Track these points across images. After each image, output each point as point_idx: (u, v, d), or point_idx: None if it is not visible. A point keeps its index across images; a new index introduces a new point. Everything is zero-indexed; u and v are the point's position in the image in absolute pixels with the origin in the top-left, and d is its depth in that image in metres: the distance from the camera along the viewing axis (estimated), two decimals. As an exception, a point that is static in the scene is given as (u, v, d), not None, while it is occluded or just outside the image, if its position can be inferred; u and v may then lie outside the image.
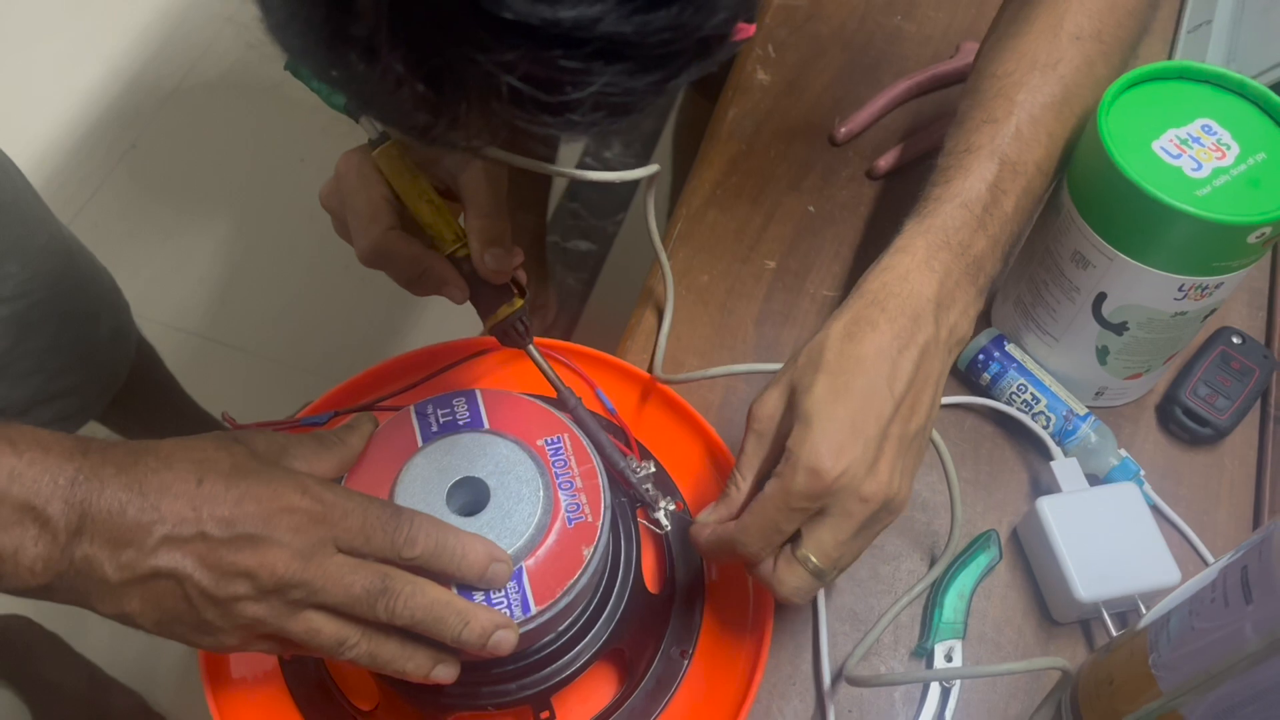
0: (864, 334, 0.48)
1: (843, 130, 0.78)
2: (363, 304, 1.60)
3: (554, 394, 0.57)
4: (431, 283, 0.51)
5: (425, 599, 0.43)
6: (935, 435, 0.57)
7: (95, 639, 1.25)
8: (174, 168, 1.81)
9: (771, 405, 0.50)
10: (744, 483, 0.50)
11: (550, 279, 1.56)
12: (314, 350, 1.60)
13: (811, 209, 0.75)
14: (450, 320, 1.59)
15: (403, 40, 0.30)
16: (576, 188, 1.74)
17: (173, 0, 1.97)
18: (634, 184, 1.75)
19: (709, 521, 0.51)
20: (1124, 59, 0.59)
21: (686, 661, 0.55)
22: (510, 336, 0.54)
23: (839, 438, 0.46)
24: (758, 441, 0.50)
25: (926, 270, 0.51)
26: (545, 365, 0.55)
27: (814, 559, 0.47)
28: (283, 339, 1.62)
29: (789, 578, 0.48)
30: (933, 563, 0.61)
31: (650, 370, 0.65)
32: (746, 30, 0.35)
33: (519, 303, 0.53)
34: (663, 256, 0.66)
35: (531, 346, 0.54)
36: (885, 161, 0.76)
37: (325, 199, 0.52)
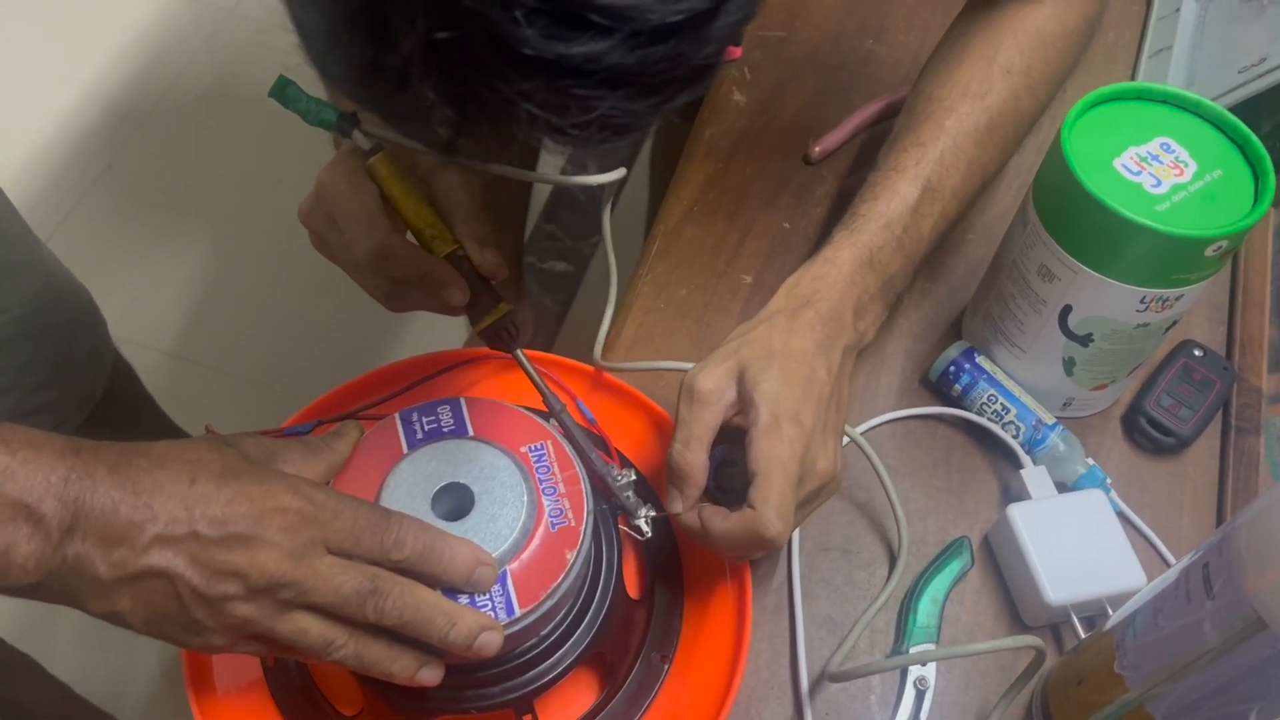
0: (803, 330, 0.54)
1: (817, 150, 0.80)
2: (338, 323, 1.60)
3: (538, 402, 0.58)
4: (433, 284, 0.52)
5: (413, 600, 0.44)
6: (869, 449, 0.61)
7: (65, 659, 1.24)
8: (149, 188, 1.81)
9: (717, 381, 0.53)
10: (701, 454, 0.53)
11: (527, 299, 1.57)
12: (290, 370, 1.60)
13: (787, 225, 0.77)
14: (425, 339, 1.59)
15: (434, 71, 0.33)
16: (553, 210, 1.76)
17: (149, 24, 1.97)
18: (613, 200, 1.76)
19: (679, 512, 0.53)
20: (1050, 94, 0.64)
21: (666, 666, 0.56)
22: (501, 339, 0.55)
23: (795, 417, 0.51)
24: (708, 412, 0.53)
25: (849, 284, 0.57)
26: (533, 370, 0.56)
27: None
28: (258, 359, 1.61)
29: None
30: (905, 572, 0.62)
31: (592, 357, 0.66)
32: (734, 52, 0.38)
33: (507, 307, 0.55)
34: (609, 245, 0.67)
35: (519, 351, 0.56)
36: (856, 182, 0.78)
37: (305, 214, 0.54)
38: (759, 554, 0.55)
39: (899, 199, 0.59)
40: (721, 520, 0.51)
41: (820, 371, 0.53)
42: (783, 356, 0.53)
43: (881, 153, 0.63)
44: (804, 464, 0.51)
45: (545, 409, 0.58)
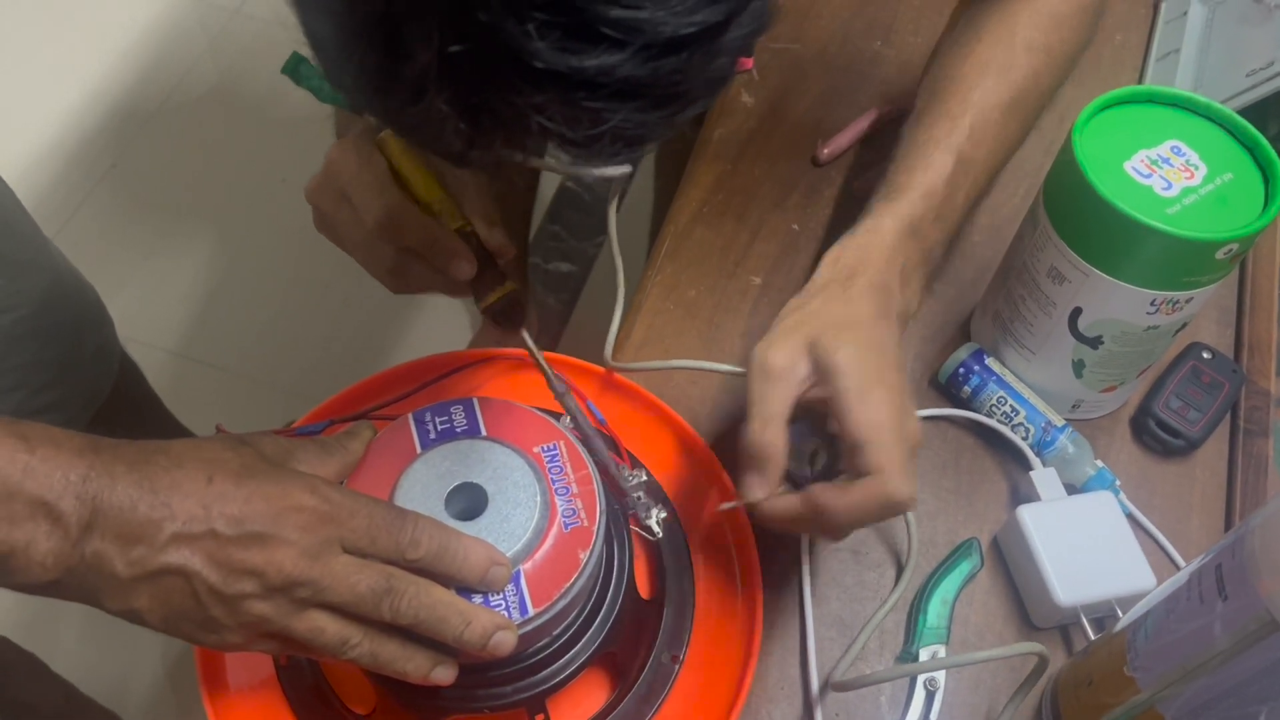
0: (859, 299, 0.54)
1: (825, 151, 0.80)
2: (343, 324, 1.60)
3: (550, 402, 0.58)
4: (441, 254, 0.52)
5: (429, 598, 0.44)
6: None
7: (69, 657, 1.24)
8: (154, 188, 1.81)
9: (789, 356, 0.52)
10: (781, 433, 0.51)
11: (532, 300, 1.57)
12: (294, 370, 1.60)
13: (795, 227, 0.77)
14: (430, 340, 1.59)
15: (448, 84, 0.34)
16: (558, 210, 1.76)
17: (154, 24, 1.98)
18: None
19: (764, 498, 0.52)
20: (1067, 72, 0.65)
21: (677, 666, 0.56)
22: (507, 317, 0.55)
23: (883, 381, 0.51)
24: (783, 388, 0.52)
25: (894, 253, 0.56)
26: (537, 352, 0.57)
27: None
28: (263, 358, 1.62)
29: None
30: (915, 573, 0.63)
31: (601, 357, 0.66)
32: (745, 63, 0.38)
33: (513, 285, 0.55)
34: (615, 244, 0.67)
35: (524, 332, 0.56)
36: (866, 182, 0.78)
37: (313, 191, 0.54)
38: (884, 520, 0.54)
39: (934, 170, 0.59)
40: (840, 495, 0.49)
41: (888, 339, 0.53)
42: (852, 326, 0.52)
43: (907, 127, 0.63)
44: (903, 425, 0.50)
45: (558, 409, 0.58)
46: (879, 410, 0.50)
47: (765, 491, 0.51)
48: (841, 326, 0.52)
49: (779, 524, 0.52)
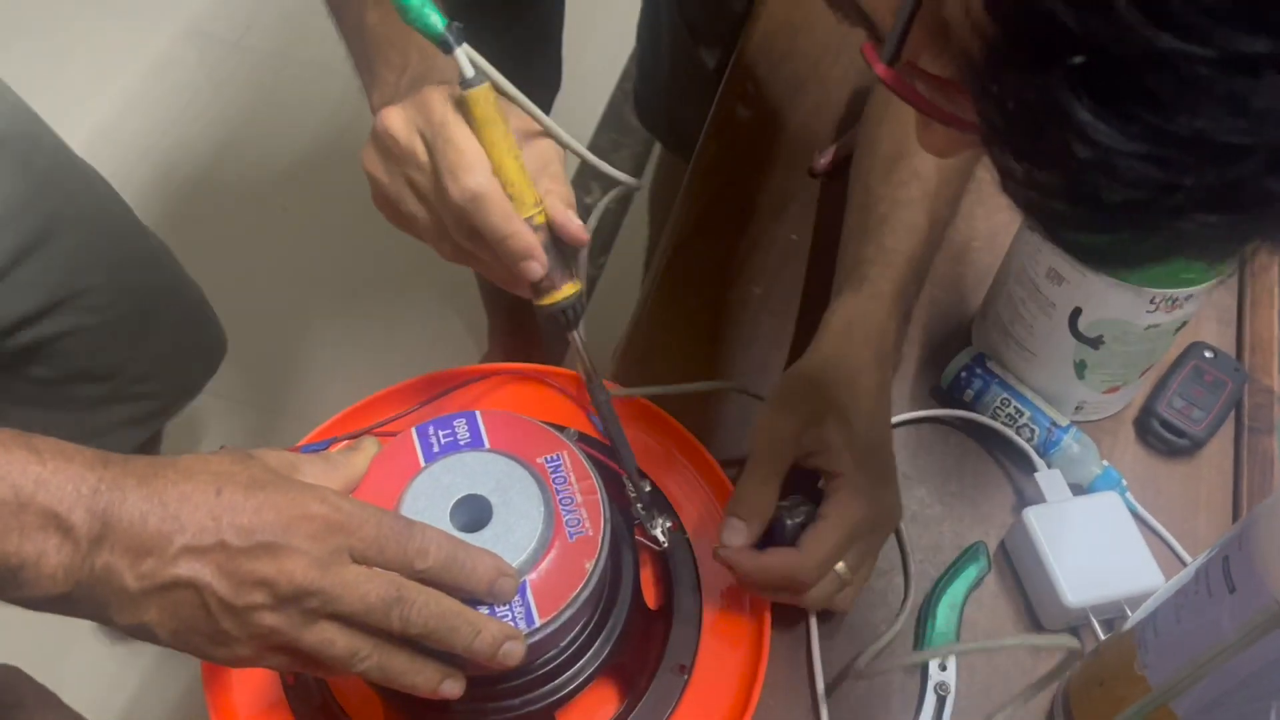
0: (863, 373, 0.59)
1: (822, 162, 0.81)
2: (344, 351, 1.61)
3: (552, 415, 0.58)
4: (514, 249, 0.48)
5: (439, 608, 0.44)
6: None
7: (78, 690, 1.23)
8: (154, 222, 1.81)
9: (785, 430, 0.56)
10: (774, 493, 0.56)
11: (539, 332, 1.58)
12: (297, 399, 1.61)
13: (794, 237, 0.78)
14: (427, 369, 1.60)
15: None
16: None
17: (154, 60, 1.99)
18: (616, 228, 1.77)
19: (739, 546, 0.55)
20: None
21: (686, 677, 0.56)
22: (565, 319, 0.53)
23: (876, 471, 0.57)
24: (774, 461, 0.56)
25: (889, 319, 0.62)
26: (585, 354, 0.57)
27: (843, 570, 0.56)
28: (264, 388, 1.62)
29: (818, 590, 0.55)
30: (922, 578, 0.63)
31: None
32: None
33: (578, 285, 0.51)
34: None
35: (575, 334, 0.54)
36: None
37: (399, 130, 0.48)
38: (781, 598, 0.57)
39: (916, 234, 0.64)
40: (753, 557, 0.54)
41: (885, 413, 0.59)
42: (854, 401, 0.57)
43: (875, 177, 0.67)
44: (879, 514, 0.56)
45: (561, 421, 0.58)
46: (858, 500, 0.55)
47: (743, 540, 0.55)
48: (847, 404, 0.57)
49: (726, 565, 0.55)
